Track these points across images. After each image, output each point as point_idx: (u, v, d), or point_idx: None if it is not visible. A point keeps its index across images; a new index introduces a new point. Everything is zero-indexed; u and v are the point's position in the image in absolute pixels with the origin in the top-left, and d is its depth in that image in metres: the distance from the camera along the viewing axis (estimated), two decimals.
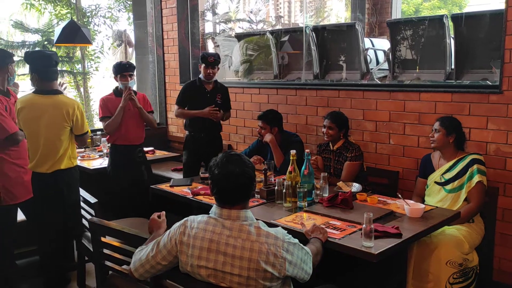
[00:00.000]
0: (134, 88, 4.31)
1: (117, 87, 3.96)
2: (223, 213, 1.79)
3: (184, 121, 4.29)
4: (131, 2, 7.49)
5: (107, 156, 4.36)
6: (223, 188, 1.78)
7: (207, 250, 1.74)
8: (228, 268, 1.71)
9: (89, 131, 3.29)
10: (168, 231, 1.87)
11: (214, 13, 8.44)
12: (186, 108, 4.12)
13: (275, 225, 2.25)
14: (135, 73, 4.04)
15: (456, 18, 3.52)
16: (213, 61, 4.00)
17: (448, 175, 3.00)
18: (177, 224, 1.85)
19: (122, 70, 3.88)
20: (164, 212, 2.20)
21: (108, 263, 2.52)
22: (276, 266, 1.71)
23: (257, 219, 1.86)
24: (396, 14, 8.80)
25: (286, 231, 1.83)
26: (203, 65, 4.03)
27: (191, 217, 1.85)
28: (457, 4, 17.91)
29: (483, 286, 3.08)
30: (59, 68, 8.20)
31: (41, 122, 3.03)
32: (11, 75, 3.15)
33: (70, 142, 3.16)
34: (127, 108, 3.90)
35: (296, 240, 1.83)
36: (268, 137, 3.65)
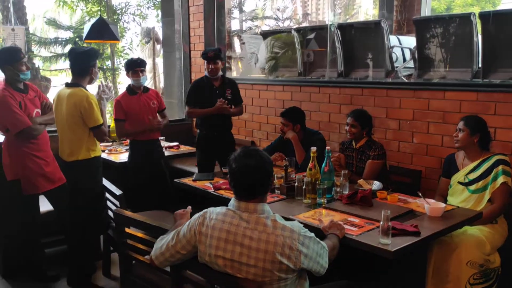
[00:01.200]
0: (148, 84, 4.39)
1: (129, 85, 4.03)
2: (240, 206, 1.84)
3: (195, 120, 4.30)
4: (160, 0, 7.62)
5: None
6: (240, 181, 1.83)
7: (225, 240, 1.79)
8: (245, 259, 1.76)
9: (102, 123, 3.24)
10: (188, 221, 1.94)
11: (241, 11, 8.49)
12: (196, 107, 4.10)
13: (293, 220, 2.28)
14: (146, 69, 4.13)
15: (483, 16, 3.44)
16: (212, 55, 3.99)
17: (472, 176, 2.96)
18: (197, 215, 1.91)
19: (134, 65, 3.94)
20: (189, 208, 2.27)
21: (131, 253, 2.61)
22: (291, 258, 1.75)
23: (274, 213, 1.90)
24: (425, 12, 8.64)
25: (302, 225, 1.86)
26: (205, 62, 4.05)
27: (210, 209, 1.91)
28: (491, 1, 17.41)
29: (505, 287, 3.03)
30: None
31: (60, 110, 3.24)
32: (22, 71, 3.20)
33: (88, 134, 3.24)
34: (144, 103, 3.99)
35: (312, 234, 1.86)
36: (290, 134, 3.67)
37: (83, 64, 3.25)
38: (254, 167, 1.81)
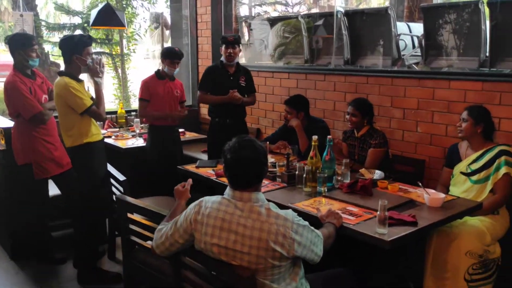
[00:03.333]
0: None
1: (159, 70, 4.11)
2: (235, 195, 1.86)
3: (208, 107, 4.30)
4: None
5: (139, 136, 4.53)
6: (234, 172, 1.86)
7: (220, 228, 1.82)
8: (239, 247, 1.79)
9: (91, 105, 3.13)
10: (184, 211, 1.97)
11: None
12: (209, 93, 4.13)
13: (293, 209, 2.30)
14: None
15: (492, 4, 3.38)
16: (232, 40, 4.00)
17: (475, 166, 2.95)
18: (193, 204, 1.95)
19: (174, 57, 4.01)
20: (190, 180, 2.30)
21: (134, 238, 2.66)
22: (284, 246, 1.77)
23: (275, 202, 1.92)
24: None
25: (296, 214, 1.88)
26: (223, 46, 4.04)
27: (206, 198, 1.94)
28: None
29: (506, 278, 3.03)
30: (98, 50, 8.51)
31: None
32: (31, 57, 3.25)
33: (80, 120, 3.17)
34: (169, 90, 4.07)
35: (306, 222, 1.88)
36: (294, 122, 3.68)
37: (65, 51, 3.19)
38: (249, 158, 1.83)
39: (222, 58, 4.12)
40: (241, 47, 4.15)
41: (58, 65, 7.17)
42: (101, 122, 4.42)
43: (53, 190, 3.60)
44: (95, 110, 3.17)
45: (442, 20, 3.77)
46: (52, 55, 8.13)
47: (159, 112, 4.06)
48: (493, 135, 2.99)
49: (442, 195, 2.57)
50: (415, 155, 3.64)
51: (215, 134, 4.17)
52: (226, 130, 4.09)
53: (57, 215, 3.82)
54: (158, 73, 4.10)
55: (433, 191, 2.68)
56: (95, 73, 3.20)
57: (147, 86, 4.04)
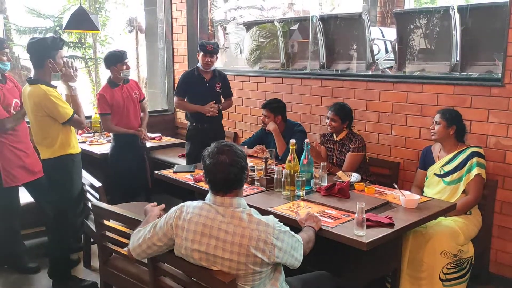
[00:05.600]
0: (133, 76, 4.34)
1: (110, 78, 3.95)
2: (216, 200, 1.86)
3: (185, 112, 4.28)
4: None
5: None
6: (214, 177, 1.84)
7: (201, 234, 1.81)
8: (220, 252, 1.78)
9: (72, 114, 2.94)
10: (165, 215, 1.95)
11: (226, 0, 8.42)
12: (185, 99, 4.12)
13: (272, 213, 2.31)
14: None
15: (461, 10, 3.50)
16: (211, 49, 3.97)
17: (448, 167, 3.03)
18: (174, 208, 1.93)
19: (123, 58, 3.87)
20: (163, 206, 2.26)
21: (110, 245, 2.62)
22: (265, 252, 1.78)
23: (253, 206, 1.91)
24: (409, 4, 8.67)
25: (278, 219, 1.89)
26: (201, 54, 4.00)
27: (188, 203, 1.93)
28: None
29: (479, 277, 3.12)
30: (69, 54, 8.33)
31: (27, 109, 3.02)
32: (2, 61, 3.18)
33: (62, 130, 2.98)
34: (127, 95, 3.97)
35: (287, 228, 1.89)
36: (271, 126, 3.69)
37: (36, 55, 2.93)
38: (228, 163, 1.82)
39: (199, 64, 4.08)
40: (218, 55, 4.11)
41: (29, 69, 7.01)
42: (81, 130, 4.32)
43: (26, 198, 3.51)
44: (77, 119, 2.98)
45: (414, 25, 3.87)
46: (23, 59, 7.94)
47: (124, 128, 3.94)
48: (465, 137, 3.08)
49: (417, 197, 2.63)
50: (390, 158, 3.70)
51: (193, 139, 4.14)
52: (204, 134, 4.09)
53: (30, 223, 3.73)
54: (110, 82, 3.93)
55: (408, 192, 2.73)
56: (70, 78, 3.00)
57: (104, 98, 3.85)
